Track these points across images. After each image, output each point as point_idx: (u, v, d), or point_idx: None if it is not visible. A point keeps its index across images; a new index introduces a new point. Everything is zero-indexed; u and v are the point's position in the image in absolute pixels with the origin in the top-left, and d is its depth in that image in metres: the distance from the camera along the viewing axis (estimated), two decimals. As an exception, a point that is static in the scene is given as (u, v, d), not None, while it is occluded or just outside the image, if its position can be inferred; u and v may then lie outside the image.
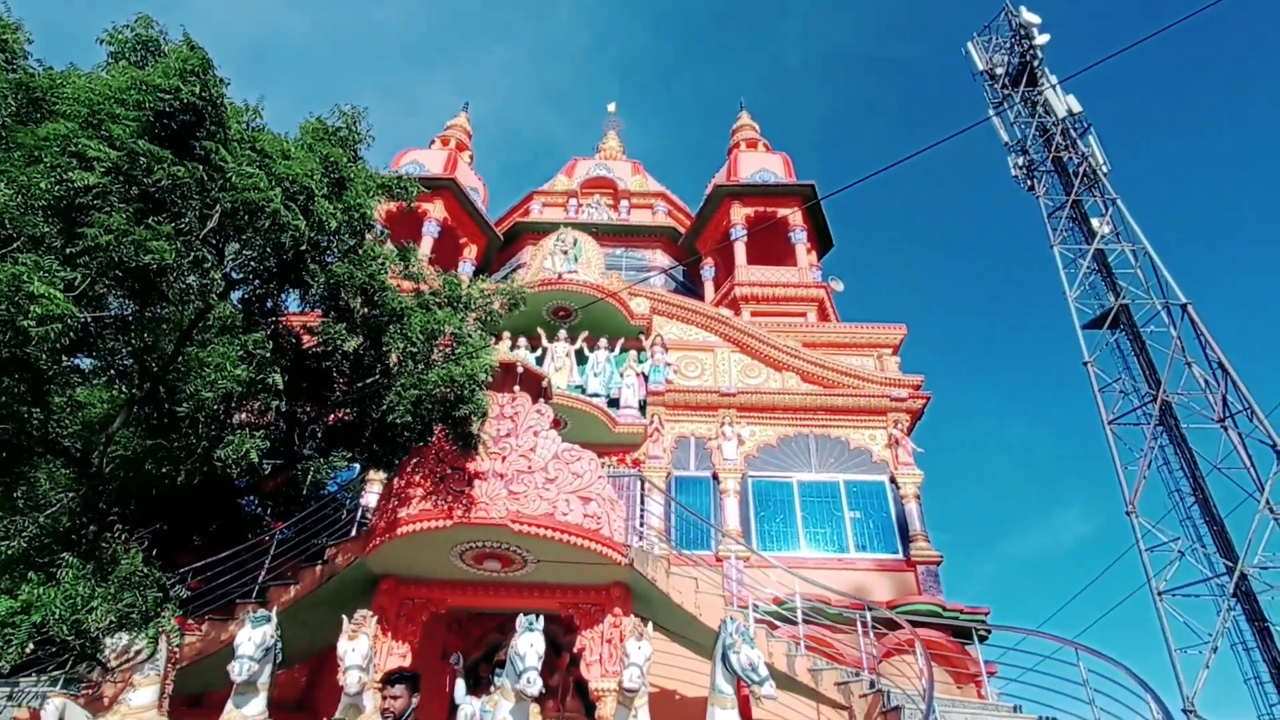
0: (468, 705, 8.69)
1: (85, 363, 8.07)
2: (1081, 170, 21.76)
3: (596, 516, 8.17)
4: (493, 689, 7.16)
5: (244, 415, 8.06)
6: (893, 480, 13.01)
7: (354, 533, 9.27)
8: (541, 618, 6.14)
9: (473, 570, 8.60)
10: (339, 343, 7.06)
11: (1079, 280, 31.14)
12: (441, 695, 9.22)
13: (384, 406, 7.56)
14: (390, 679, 3.92)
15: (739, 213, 18.36)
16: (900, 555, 12.23)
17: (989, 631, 10.88)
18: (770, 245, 18.51)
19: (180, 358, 7.24)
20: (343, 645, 5.97)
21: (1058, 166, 22.35)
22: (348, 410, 8.54)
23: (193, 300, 6.33)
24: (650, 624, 6.31)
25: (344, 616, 6.19)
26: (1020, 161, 22.73)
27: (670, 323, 15.15)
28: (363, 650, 5.93)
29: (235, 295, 7.49)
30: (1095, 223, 21.17)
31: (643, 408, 13.82)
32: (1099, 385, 31.22)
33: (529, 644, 5.88)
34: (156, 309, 6.42)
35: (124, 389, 7.93)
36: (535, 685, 5.64)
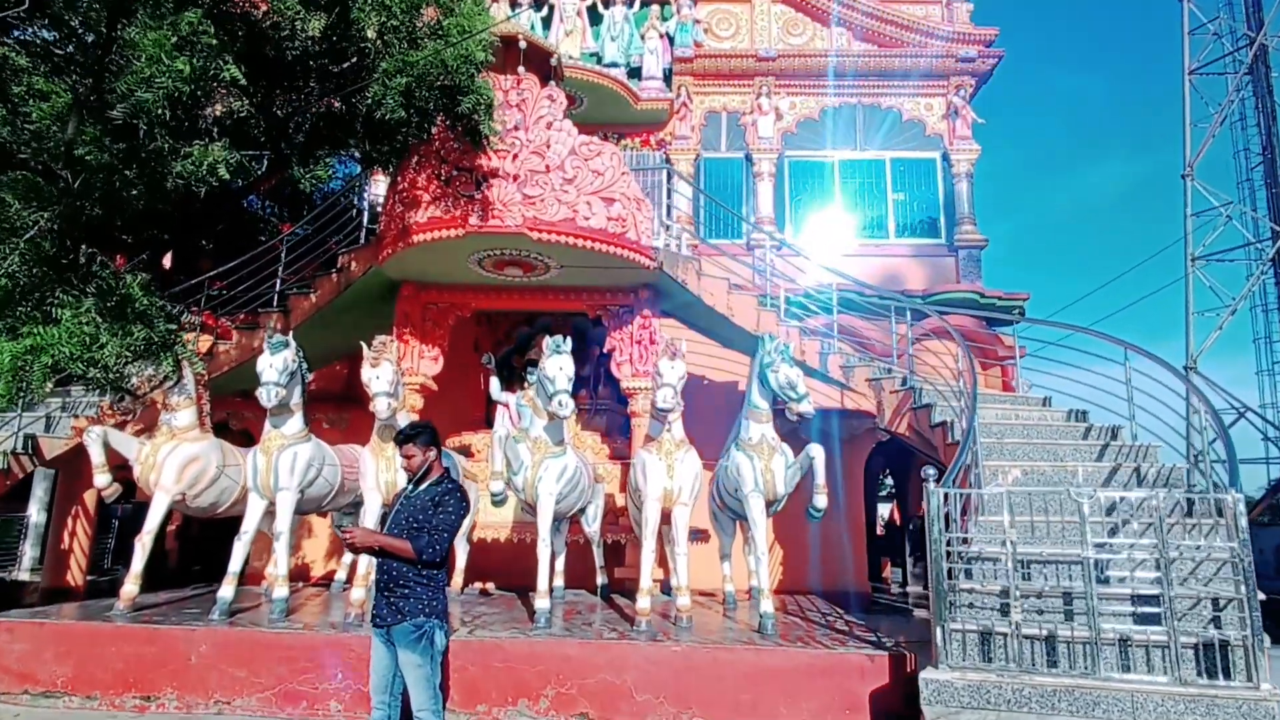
0: (503, 398, 9.03)
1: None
2: None
3: (621, 219, 7.46)
4: (526, 384, 7.24)
5: (214, 112, 7.00)
6: (945, 157, 11.80)
7: (363, 238, 8.74)
8: (569, 340, 5.83)
9: (494, 276, 8.21)
10: (298, 25, 5.70)
11: (1206, -115, 25.17)
12: (478, 392, 9.56)
13: (370, 98, 6.42)
14: (401, 439, 3.64)
15: None
16: (943, 240, 11.59)
17: (1023, 315, 10.71)
18: None
19: (116, 46, 5.99)
20: (366, 373, 5.80)
21: None
22: (336, 104, 7.41)
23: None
24: (684, 343, 6.01)
25: (363, 344, 5.94)
26: None
27: (699, -34, 12.58)
28: (387, 376, 5.78)
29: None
30: None
31: (668, 78, 12.14)
32: (1191, 25, 27.28)
33: (558, 367, 5.64)
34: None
35: (64, 87, 6.78)
36: (567, 408, 5.53)
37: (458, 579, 7.68)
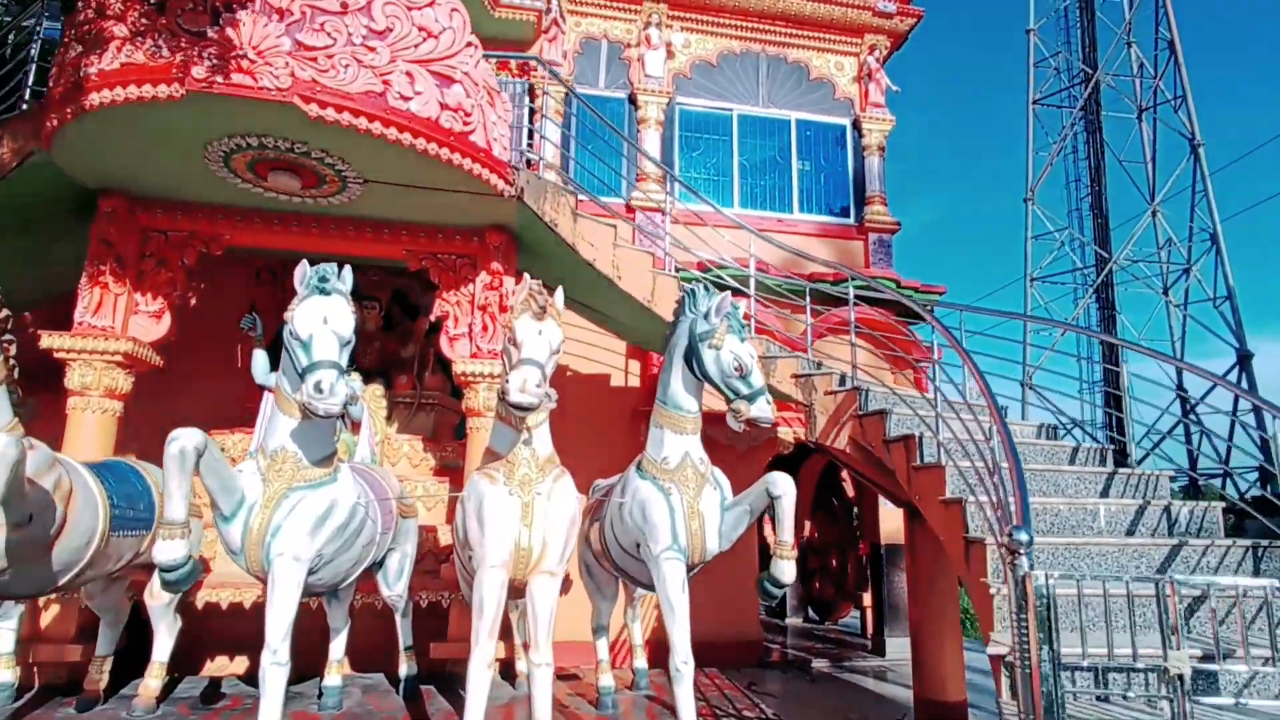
0: (272, 382, 6.03)
1: None
2: None
3: (464, 111, 4.82)
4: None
5: None
6: (856, 125, 10.14)
7: (25, 104, 5.41)
8: (348, 275, 3.15)
9: (256, 190, 5.26)
10: None
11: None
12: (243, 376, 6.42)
13: None
14: None
15: None
16: (851, 220, 9.90)
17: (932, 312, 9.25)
18: None
19: None
20: None
21: None
22: None
23: None
24: (560, 294, 3.54)
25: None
26: None
27: None
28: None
29: None
30: None
31: (537, -13, 9.55)
32: (1035, 58, 28.70)
33: (318, 317, 2.95)
34: None
35: None
36: (331, 400, 2.82)
37: (154, 683, 4.49)
